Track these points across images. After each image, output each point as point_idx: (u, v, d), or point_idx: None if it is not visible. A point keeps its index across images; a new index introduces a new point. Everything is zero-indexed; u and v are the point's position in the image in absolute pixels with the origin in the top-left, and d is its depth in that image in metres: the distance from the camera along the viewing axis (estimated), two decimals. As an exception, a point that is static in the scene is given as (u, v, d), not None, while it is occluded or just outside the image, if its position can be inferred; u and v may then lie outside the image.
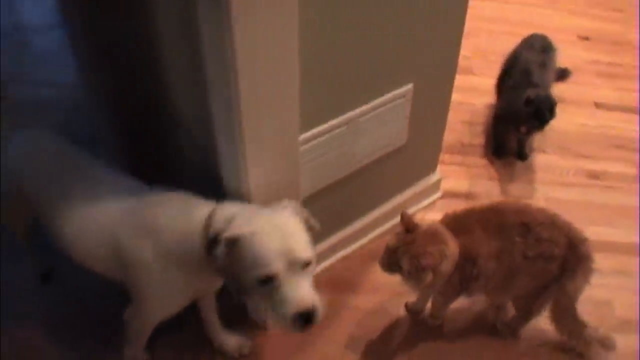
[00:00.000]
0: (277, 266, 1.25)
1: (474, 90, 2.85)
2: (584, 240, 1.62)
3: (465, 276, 1.61)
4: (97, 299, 1.89)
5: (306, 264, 1.28)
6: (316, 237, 1.93)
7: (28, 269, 2.00)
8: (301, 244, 1.30)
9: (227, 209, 1.37)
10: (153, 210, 1.44)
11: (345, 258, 2.08)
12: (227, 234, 1.28)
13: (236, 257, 1.27)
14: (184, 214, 1.40)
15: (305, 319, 1.25)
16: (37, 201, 1.59)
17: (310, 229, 1.39)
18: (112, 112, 2.24)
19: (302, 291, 1.27)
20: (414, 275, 1.54)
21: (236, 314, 1.86)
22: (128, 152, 2.23)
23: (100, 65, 2.14)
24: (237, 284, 1.30)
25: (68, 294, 1.97)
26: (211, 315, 1.74)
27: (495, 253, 1.60)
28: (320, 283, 1.97)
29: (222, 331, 1.78)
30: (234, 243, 1.27)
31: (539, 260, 1.60)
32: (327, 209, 1.87)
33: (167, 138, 1.87)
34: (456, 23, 1.81)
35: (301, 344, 1.84)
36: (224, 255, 1.29)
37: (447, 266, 1.55)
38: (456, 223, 1.63)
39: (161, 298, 1.48)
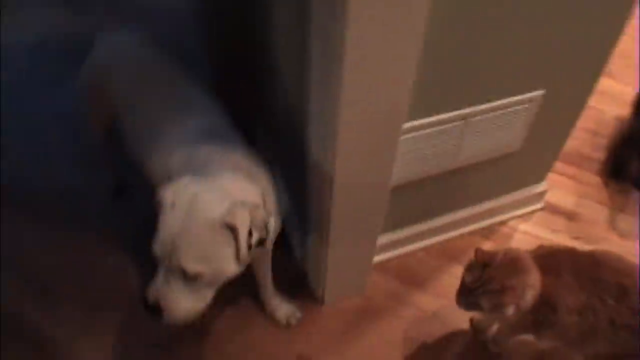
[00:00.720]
0: (157, 250, 1.13)
1: (607, 96, 2.58)
2: None
3: (540, 320, 1.45)
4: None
5: (190, 275, 1.12)
6: (395, 223, 1.82)
7: (103, 181, 2.00)
8: (191, 251, 1.11)
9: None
10: (199, 147, 1.32)
11: (422, 250, 1.96)
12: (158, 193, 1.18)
13: None
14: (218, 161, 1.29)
15: (151, 309, 1.15)
16: (117, 103, 1.55)
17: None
18: (214, 33, 2.15)
19: (163, 287, 1.13)
20: (495, 312, 1.40)
21: (295, 285, 1.80)
22: (221, 78, 2.16)
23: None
24: None
25: (134, 211, 1.95)
26: (265, 280, 1.67)
27: (580, 307, 1.41)
28: (389, 270, 1.89)
29: (274, 298, 1.72)
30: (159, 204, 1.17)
31: (625, 331, 1.40)
32: (415, 199, 1.74)
33: (262, 79, 1.77)
34: (613, 30, 1.55)
35: (351, 329, 1.76)
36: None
37: (530, 295, 1.39)
38: (546, 259, 1.45)
39: None
